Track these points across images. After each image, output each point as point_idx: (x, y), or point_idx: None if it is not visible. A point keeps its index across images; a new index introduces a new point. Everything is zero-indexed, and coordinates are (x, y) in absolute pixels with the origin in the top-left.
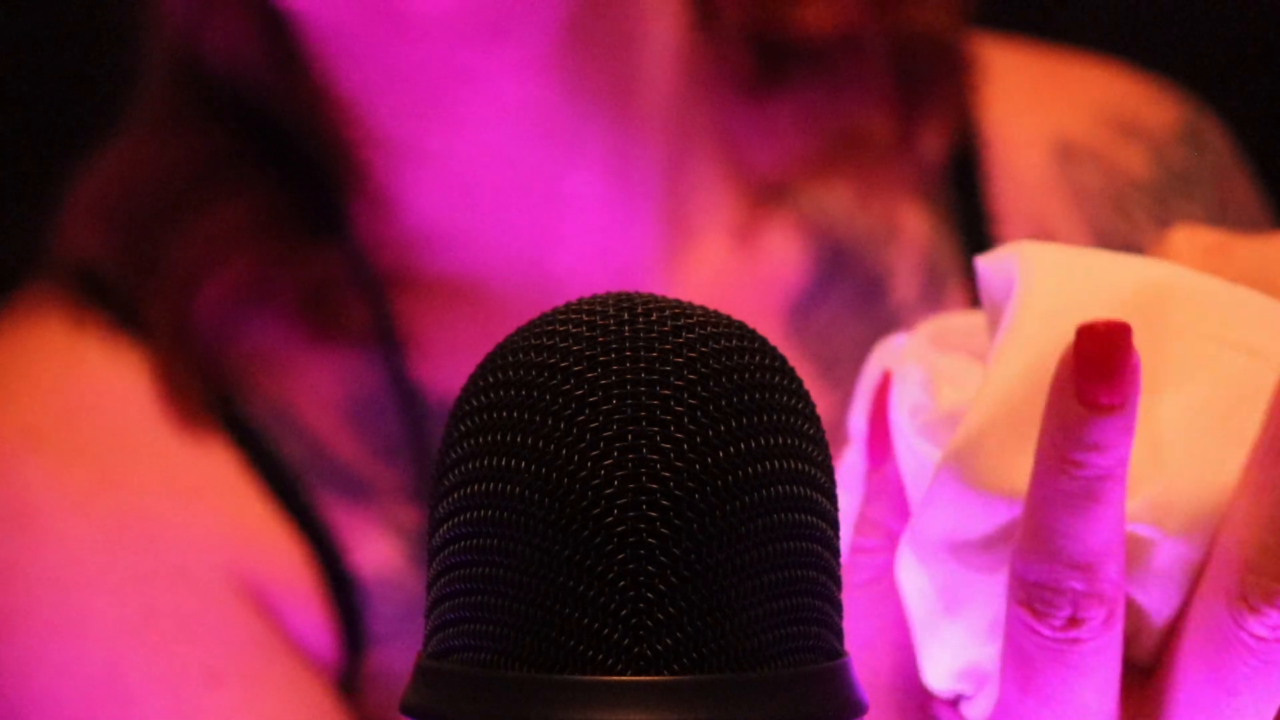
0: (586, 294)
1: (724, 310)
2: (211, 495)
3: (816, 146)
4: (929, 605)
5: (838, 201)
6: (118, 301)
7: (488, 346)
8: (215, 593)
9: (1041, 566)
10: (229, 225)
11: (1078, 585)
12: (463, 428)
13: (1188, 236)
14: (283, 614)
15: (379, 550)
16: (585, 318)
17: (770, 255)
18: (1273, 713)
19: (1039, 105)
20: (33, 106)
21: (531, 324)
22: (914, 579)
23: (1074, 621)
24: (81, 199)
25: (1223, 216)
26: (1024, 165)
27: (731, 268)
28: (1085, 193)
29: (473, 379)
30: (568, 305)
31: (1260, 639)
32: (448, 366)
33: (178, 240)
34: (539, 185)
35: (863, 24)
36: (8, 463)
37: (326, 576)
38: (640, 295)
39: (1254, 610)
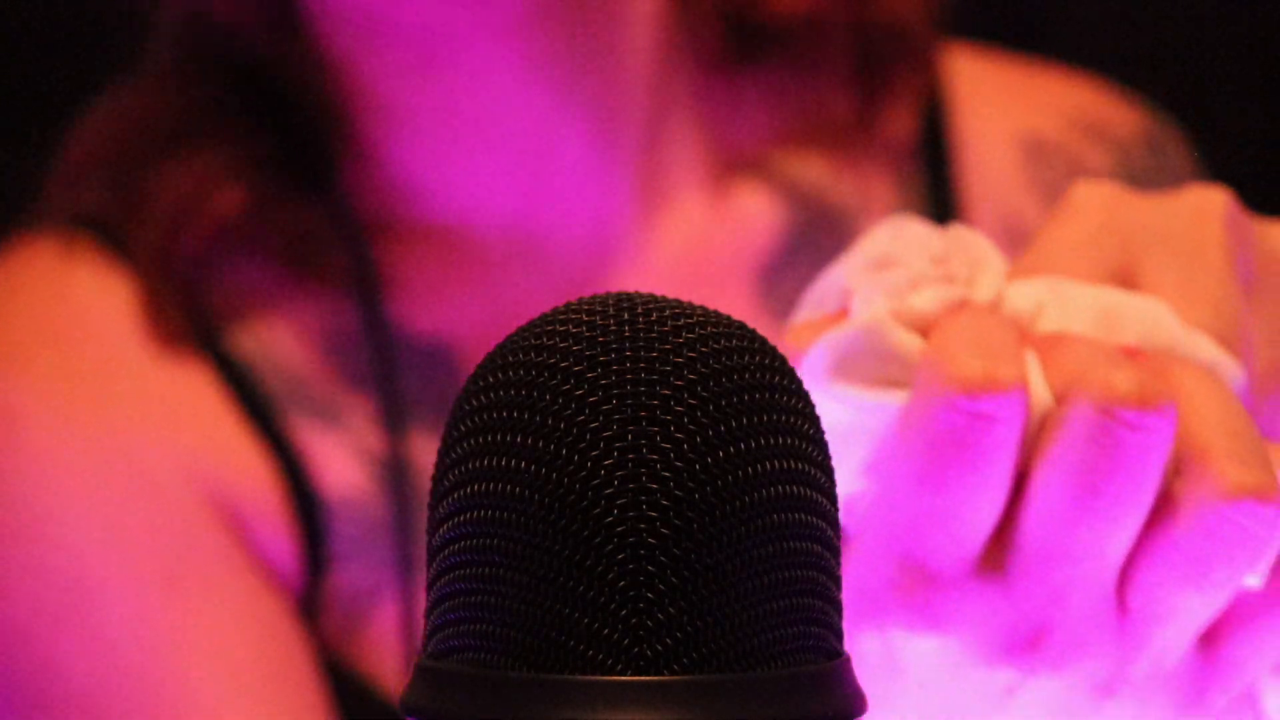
0: (566, 247)
1: (697, 269)
2: (187, 415)
3: (785, 125)
4: None
5: (811, 172)
6: (108, 235)
7: (466, 292)
8: (184, 506)
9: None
10: (216, 165)
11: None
12: (463, 428)
13: (1090, 190)
14: (250, 530)
15: (345, 472)
16: (585, 318)
17: (744, 219)
18: (1132, 523)
19: (1008, 104)
20: (44, 58)
21: (531, 324)
22: None
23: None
24: (79, 145)
25: None
26: (992, 159)
27: (706, 229)
28: (1051, 187)
29: (472, 379)
30: (567, 305)
31: (1130, 427)
32: (425, 308)
33: (166, 177)
34: (523, 142)
35: (831, 11)
36: None
37: (293, 496)
38: (640, 295)
39: (1127, 406)
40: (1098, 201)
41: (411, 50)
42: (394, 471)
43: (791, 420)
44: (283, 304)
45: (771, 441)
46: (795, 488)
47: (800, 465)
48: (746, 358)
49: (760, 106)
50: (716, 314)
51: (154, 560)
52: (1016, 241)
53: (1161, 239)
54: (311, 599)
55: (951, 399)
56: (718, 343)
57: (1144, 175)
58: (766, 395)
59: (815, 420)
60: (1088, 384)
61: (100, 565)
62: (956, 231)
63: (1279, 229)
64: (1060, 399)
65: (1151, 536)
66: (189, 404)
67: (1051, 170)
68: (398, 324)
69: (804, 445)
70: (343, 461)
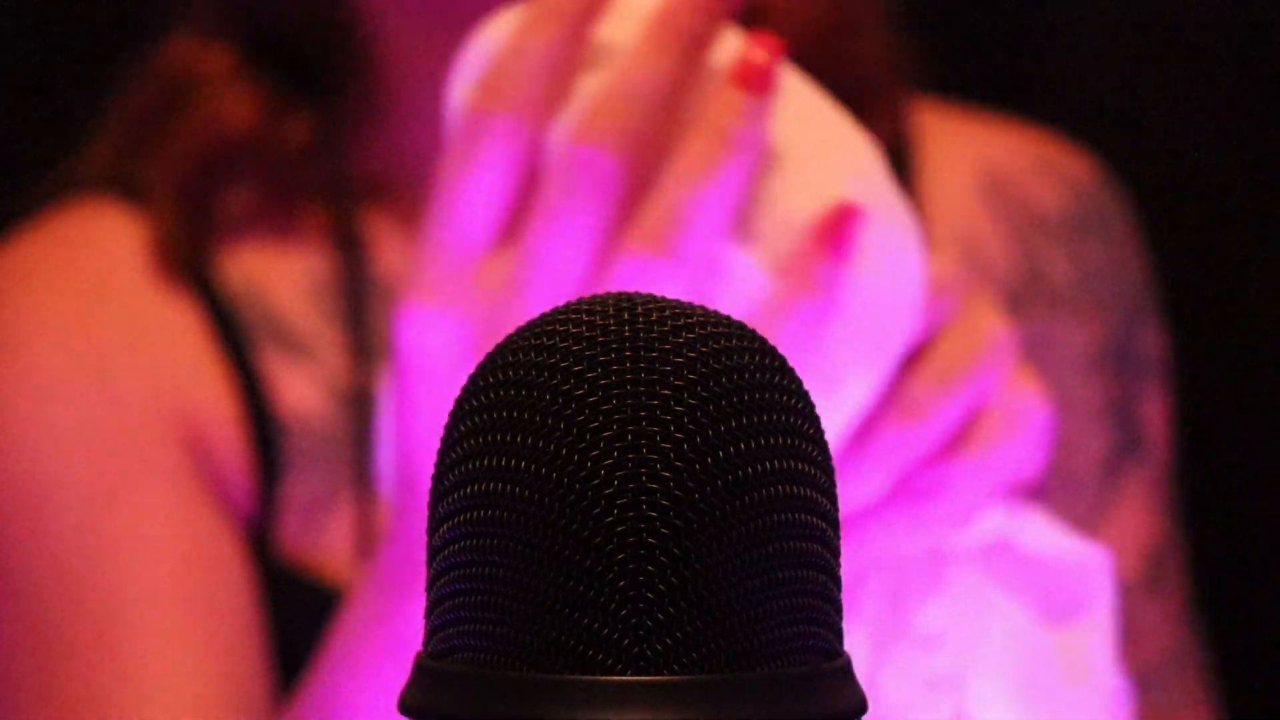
0: None
1: None
2: (169, 340)
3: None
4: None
5: None
6: (137, 194)
7: None
8: (146, 425)
9: None
10: (231, 98)
11: None
12: (462, 428)
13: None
14: (210, 453)
15: (306, 397)
16: (585, 317)
17: None
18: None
19: (967, 141)
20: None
21: (531, 323)
22: None
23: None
24: (118, 113)
25: (1122, 264)
26: (951, 187)
27: None
28: (1008, 216)
29: (472, 379)
30: (567, 305)
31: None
32: (408, 261)
33: (184, 117)
34: None
35: (806, 53)
36: (2, 291)
37: (251, 415)
38: (640, 295)
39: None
40: None
41: (433, 22)
42: (358, 397)
43: (791, 420)
44: (273, 243)
45: (771, 441)
46: (795, 488)
47: (800, 465)
48: (746, 358)
49: None
50: (716, 314)
51: (107, 473)
52: (974, 263)
53: None
54: (267, 508)
55: (463, 112)
56: (717, 343)
57: (1096, 214)
58: (766, 395)
59: (815, 420)
60: (572, 115)
61: (56, 470)
62: None
63: (988, 311)
64: None
65: None
66: (172, 331)
67: (1008, 200)
68: (379, 272)
69: (803, 445)
70: (306, 387)
